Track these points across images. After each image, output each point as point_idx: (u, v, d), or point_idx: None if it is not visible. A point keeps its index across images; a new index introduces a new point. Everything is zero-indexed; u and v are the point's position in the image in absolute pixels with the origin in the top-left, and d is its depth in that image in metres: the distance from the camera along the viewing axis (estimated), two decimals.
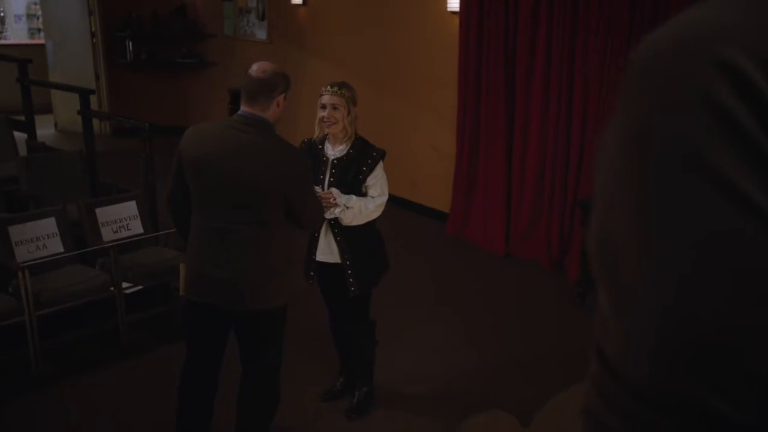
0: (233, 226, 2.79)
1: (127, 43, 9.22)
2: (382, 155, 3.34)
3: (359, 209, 3.27)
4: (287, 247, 2.96)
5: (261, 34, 8.36)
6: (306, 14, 7.72)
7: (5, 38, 11.45)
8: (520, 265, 5.63)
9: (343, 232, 3.33)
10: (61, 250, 4.22)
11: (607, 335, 0.46)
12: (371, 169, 3.30)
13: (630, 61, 0.45)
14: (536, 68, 5.43)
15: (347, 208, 3.24)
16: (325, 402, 3.72)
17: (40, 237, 4.15)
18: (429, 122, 6.46)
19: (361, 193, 3.31)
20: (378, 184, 3.34)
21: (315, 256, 3.41)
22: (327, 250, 3.38)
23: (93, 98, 6.97)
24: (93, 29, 9.17)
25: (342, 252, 3.34)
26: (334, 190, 3.25)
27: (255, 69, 2.82)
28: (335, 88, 3.21)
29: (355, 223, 3.30)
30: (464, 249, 5.94)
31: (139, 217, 4.57)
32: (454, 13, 5.98)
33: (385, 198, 3.36)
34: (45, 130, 8.62)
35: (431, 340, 4.39)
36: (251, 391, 3.11)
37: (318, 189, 3.26)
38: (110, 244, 4.26)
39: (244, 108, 2.81)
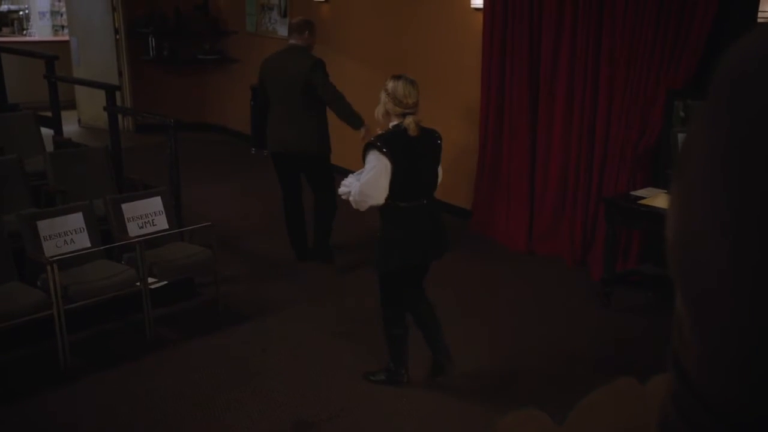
0: (291, 106, 5.02)
1: (149, 39, 9.29)
2: (368, 146, 3.40)
3: (353, 194, 3.40)
4: (323, 118, 5.10)
5: (283, 31, 8.36)
6: (329, 11, 7.72)
7: (30, 35, 11.57)
8: (543, 262, 5.61)
9: (380, 210, 3.48)
10: (88, 244, 4.27)
11: (685, 346, 0.42)
12: (362, 157, 3.42)
13: (717, 79, 0.39)
14: (560, 65, 5.40)
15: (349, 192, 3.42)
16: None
17: (67, 232, 4.19)
18: (452, 119, 6.44)
19: None
20: (364, 174, 3.40)
21: None
22: None
23: (116, 94, 7.01)
24: (116, 26, 9.24)
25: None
26: (351, 175, 3.44)
27: (293, 19, 5.44)
28: None
29: (359, 208, 3.43)
30: (486, 246, 5.93)
31: (164, 213, 4.61)
32: (477, 9, 5.96)
33: (355, 190, 3.36)
34: (69, 126, 8.69)
35: (454, 338, 4.36)
36: (321, 208, 5.28)
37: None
38: (136, 240, 4.30)
39: (290, 41, 5.17)
